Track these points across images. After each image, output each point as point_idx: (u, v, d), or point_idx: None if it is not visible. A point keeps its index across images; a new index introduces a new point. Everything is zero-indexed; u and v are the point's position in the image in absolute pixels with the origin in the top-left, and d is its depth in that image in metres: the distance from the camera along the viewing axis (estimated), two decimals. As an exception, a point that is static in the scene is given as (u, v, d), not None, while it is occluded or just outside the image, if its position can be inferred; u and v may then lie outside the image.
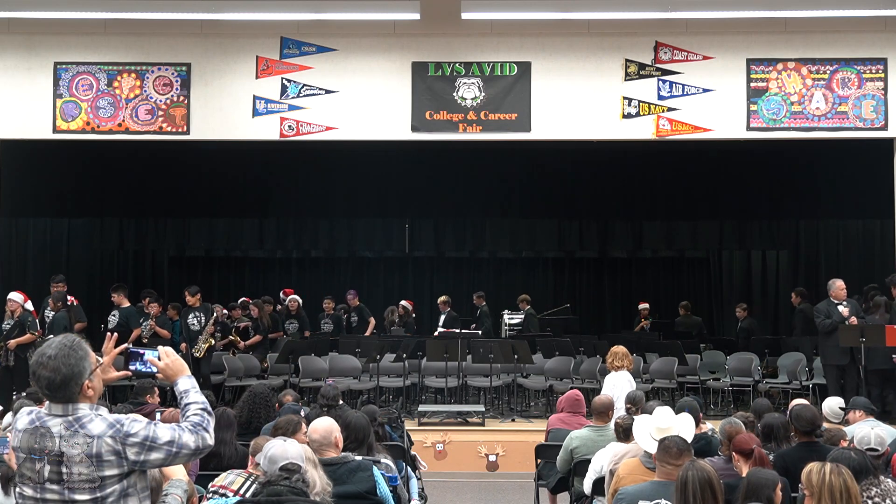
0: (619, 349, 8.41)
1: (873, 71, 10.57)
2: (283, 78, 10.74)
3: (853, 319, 10.08)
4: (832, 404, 6.66)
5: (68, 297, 11.06)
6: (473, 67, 10.71)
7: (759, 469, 4.33)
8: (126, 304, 11.42)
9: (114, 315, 11.32)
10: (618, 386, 7.97)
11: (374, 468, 4.70)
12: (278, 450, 3.87)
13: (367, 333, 12.99)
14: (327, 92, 10.74)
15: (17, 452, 3.03)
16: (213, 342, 11.09)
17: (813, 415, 5.63)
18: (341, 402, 7.03)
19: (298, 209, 15.53)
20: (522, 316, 14.20)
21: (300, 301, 13.50)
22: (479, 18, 10.53)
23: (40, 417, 3.00)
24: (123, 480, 2.97)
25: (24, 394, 6.11)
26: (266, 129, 10.74)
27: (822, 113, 10.59)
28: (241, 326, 12.53)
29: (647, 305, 14.87)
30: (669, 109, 10.62)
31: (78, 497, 2.92)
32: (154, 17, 10.39)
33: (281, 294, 14.08)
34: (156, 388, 7.18)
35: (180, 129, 10.72)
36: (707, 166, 13.91)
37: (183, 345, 10.89)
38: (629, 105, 10.64)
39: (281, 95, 10.73)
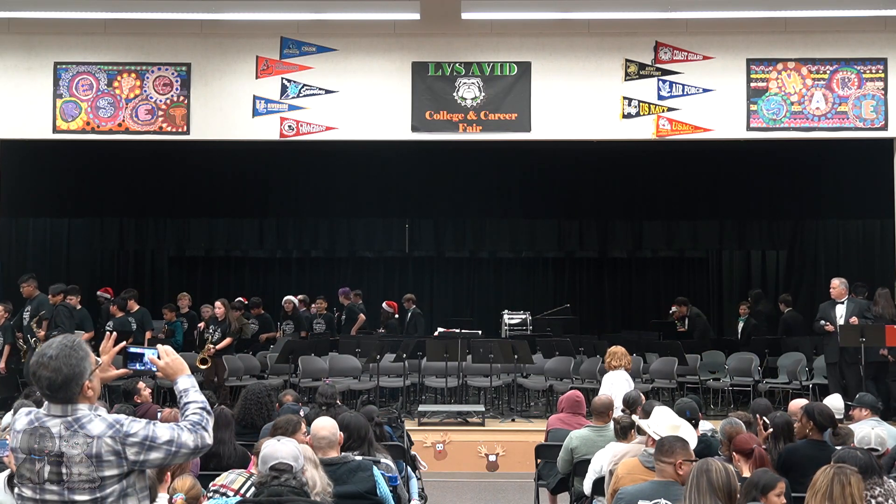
0: (617, 349, 8.44)
1: (873, 71, 10.57)
2: (283, 78, 10.73)
3: (853, 319, 10.08)
4: (832, 402, 6.65)
5: None
6: (473, 67, 10.71)
7: (765, 470, 4.32)
8: (37, 293, 10.51)
9: (27, 311, 10.48)
10: (615, 385, 7.97)
11: (374, 468, 4.71)
12: (269, 450, 3.88)
13: (352, 332, 12.87)
14: (327, 92, 10.74)
15: (17, 453, 3.02)
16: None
17: (833, 413, 5.64)
18: (339, 401, 7.03)
19: (298, 209, 15.53)
20: (523, 317, 14.11)
21: (295, 301, 13.45)
22: (479, 18, 10.52)
23: (39, 418, 3.00)
24: (123, 480, 2.97)
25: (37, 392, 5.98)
26: (266, 129, 10.74)
27: (822, 113, 10.59)
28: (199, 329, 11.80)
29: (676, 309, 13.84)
30: (669, 109, 10.62)
31: (77, 497, 2.92)
32: (154, 17, 10.39)
33: (98, 293, 13.39)
34: (140, 385, 6.97)
35: (180, 129, 10.72)
36: (707, 166, 13.91)
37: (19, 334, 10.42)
38: (629, 105, 10.64)
39: (281, 95, 10.73)
